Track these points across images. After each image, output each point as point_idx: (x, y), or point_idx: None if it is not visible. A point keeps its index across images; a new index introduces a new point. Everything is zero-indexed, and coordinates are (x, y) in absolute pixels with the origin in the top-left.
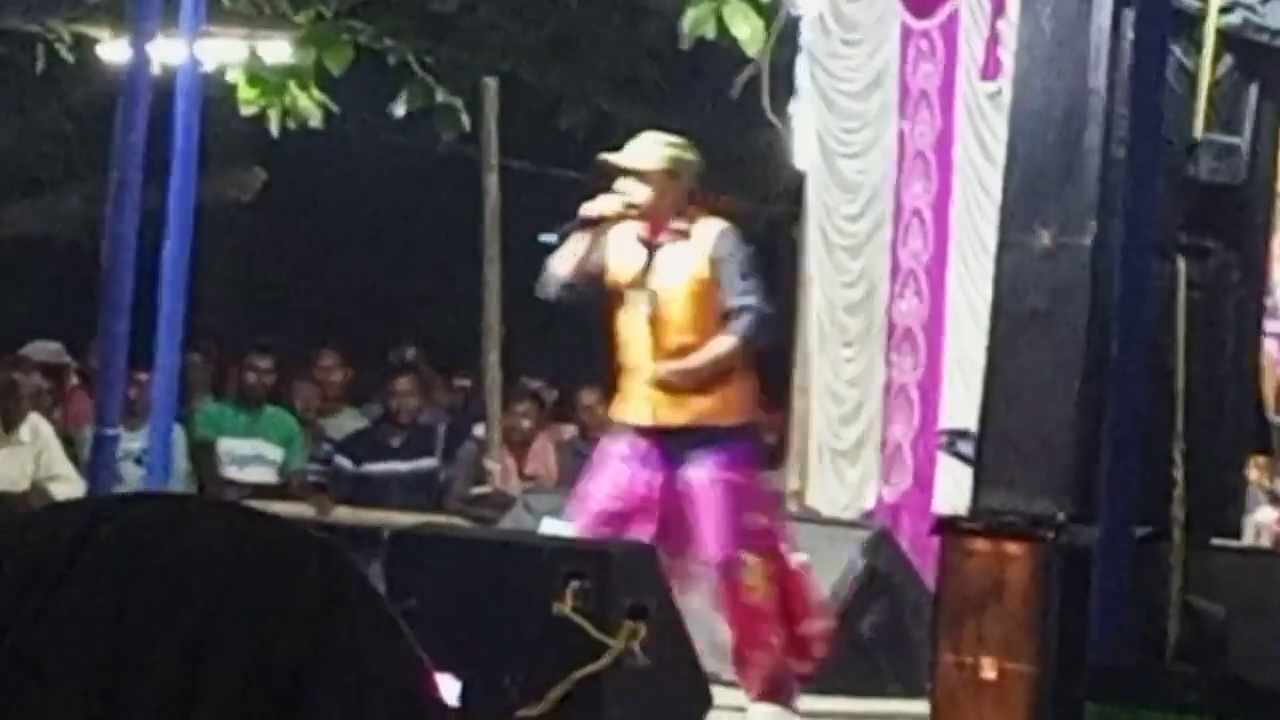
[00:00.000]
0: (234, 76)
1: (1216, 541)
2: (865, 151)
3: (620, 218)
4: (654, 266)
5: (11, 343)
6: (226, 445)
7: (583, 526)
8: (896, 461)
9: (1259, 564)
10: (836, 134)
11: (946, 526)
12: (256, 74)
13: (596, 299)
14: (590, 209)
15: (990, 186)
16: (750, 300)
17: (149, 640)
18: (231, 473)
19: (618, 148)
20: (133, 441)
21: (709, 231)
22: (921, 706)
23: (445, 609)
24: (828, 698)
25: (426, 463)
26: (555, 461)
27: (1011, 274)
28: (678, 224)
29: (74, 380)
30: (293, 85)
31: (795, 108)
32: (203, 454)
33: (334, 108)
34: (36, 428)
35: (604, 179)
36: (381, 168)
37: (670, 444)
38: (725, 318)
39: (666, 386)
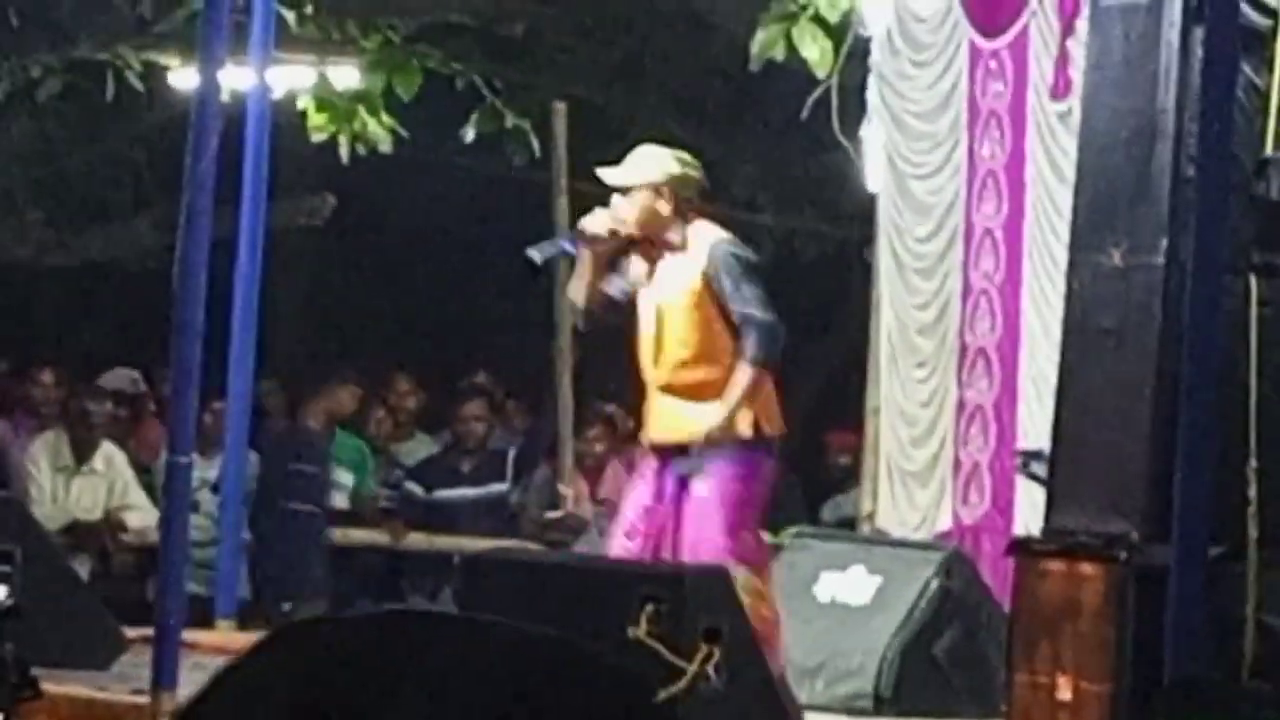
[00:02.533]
0: (303, 103)
1: None
2: (935, 172)
3: (612, 235)
4: (654, 281)
5: (84, 370)
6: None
7: (615, 549)
8: (974, 482)
9: None
10: (906, 155)
11: (1020, 547)
12: (326, 100)
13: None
14: (582, 225)
15: (1062, 206)
16: (750, 311)
17: None
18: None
19: None
20: (208, 469)
21: (702, 243)
22: None
23: None
24: (903, 719)
25: (497, 488)
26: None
27: (1082, 293)
28: (675, 238)
29: (151, 408)
30: (362, 110)
31: (866, 129)
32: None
33: (403, 132)
34: (110, 457)
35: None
36: (452, 192)
37: (677, 458)
38: (729, 326)
39: (670, 401)
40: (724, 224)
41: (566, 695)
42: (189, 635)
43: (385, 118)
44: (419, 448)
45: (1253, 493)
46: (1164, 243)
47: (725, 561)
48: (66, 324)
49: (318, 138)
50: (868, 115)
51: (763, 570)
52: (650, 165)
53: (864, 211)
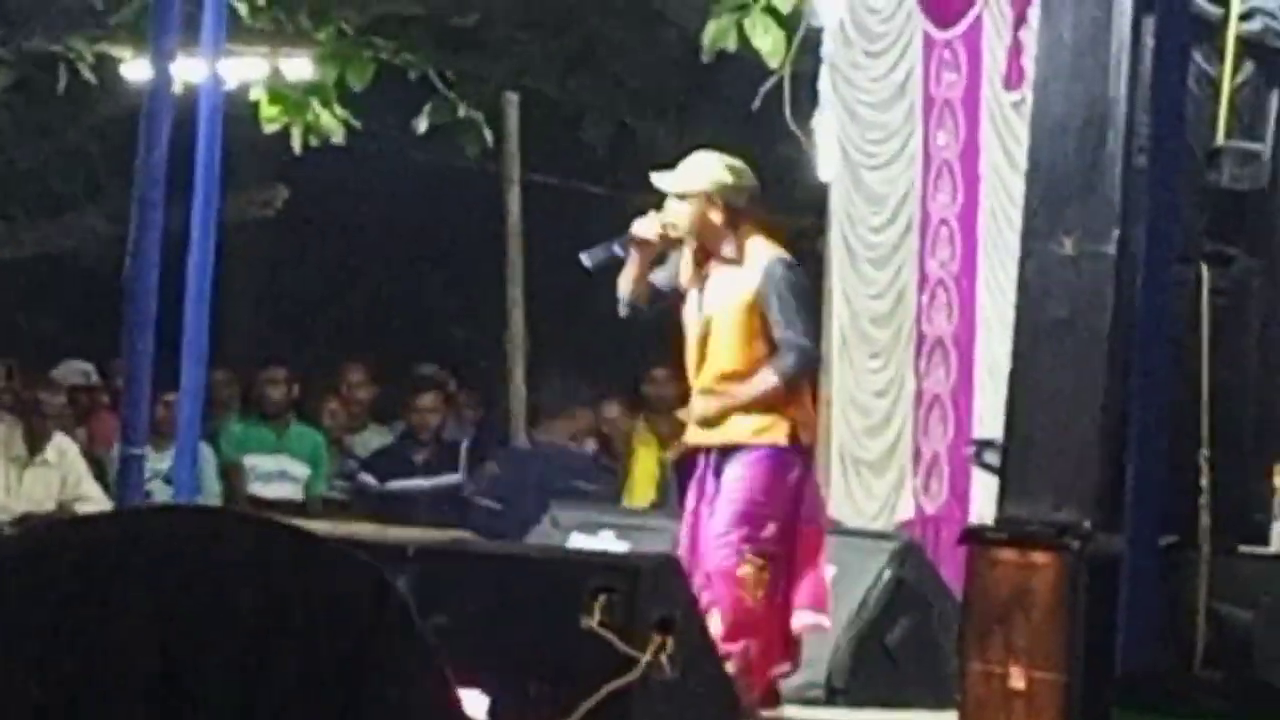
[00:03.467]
0: (256, 94)
1: (1243, 548)
2: (890, 162)
3: (662, 240)
4: (705, 290)
5: (37, 361)
6: (252, 462)
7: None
8: (934, 473)
9: None
10: (860, 145)
11: (972, 536)
12: (279, 91)
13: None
14: (633, 230)
15: (1017, 195)
16: (791, 335)
17: (204, 648)
18: (257, 489)
19: (639, 161)
20: (160, 461)
21: (758, 260)
22: (950, 717)
23: (472, 624)
24: (856, 710)
25: (450, 478)
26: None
27: (1034, 283)
28: (728, 249)
29: (104, 400)
30: (315, 102)
31: (818, 119)
32: (232, 472)
33: (356, 124)
34: (62, 448)
35: (625, 192)
36: (404, 183)
37: (714, 462)
38: (773, 348)
39: (709, 406)
40: (774, 233)
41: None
42: None
43: (338, 109)
44: (372, 438)
45: (1205, 481)
46: (1116, 232)
47: (728, 550)
48: (19, 316)
49: (270, 129)
50: (819, 105)
51: (779, 561)
52: (703, 173)
53: (816, 202)
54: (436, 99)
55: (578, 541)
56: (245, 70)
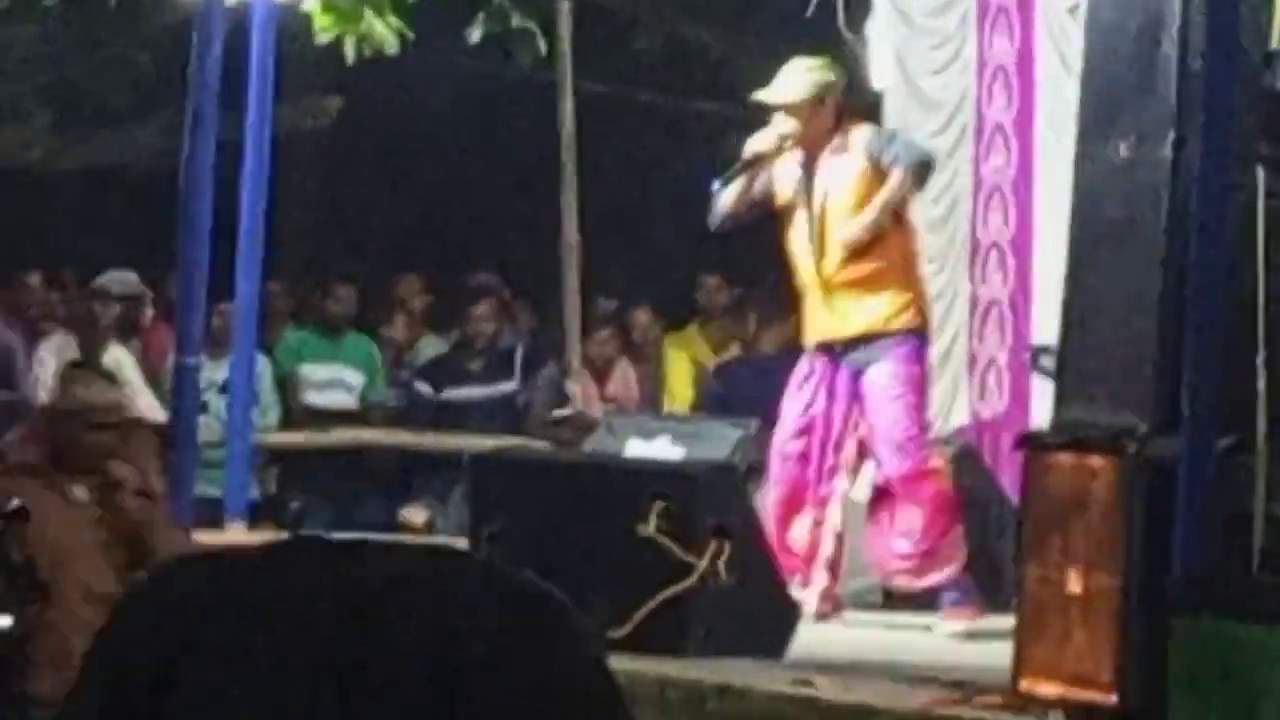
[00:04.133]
0: (309, 4)
1: None
2: (945, 68)
3: (779, 152)
4: (815, 184)
5: (91, 274)
6: (306, 371)
7: (773, 464)
8: (991, 378)
9: None
10: (916, 52)
11: (1029, 441)
12: (331, 1)
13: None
14: (750, 149)
15: (1072, 100)
16: (901, 146)
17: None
18: (312, 398)
19: (692, 69)
20: (216, 371)
21: (860, 138)
22: (1008, 621)
23: (529, 532)
24: (915, 613)
25: (505, 386)
26: (637, 383)
27: (1089, 187)
28: (837, 142)
29: (149, 311)
30: (368, 12)
31: (871, 27)
32: (288, 382)
33: (409, 34)
34: (118, 358)
35: (678, 99)
36: (458, 93)
37: (847, 355)
38: (898, 215)
39: (837, 298)
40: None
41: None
42: (199, 536)
43: (391, 19)
44: (427, 347)
45: (1261, 385)
46: (1171, 135)
47: (914, 446)
48: (74, 229)
49: (323, 39)
50: (872, 12)
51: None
52: (809, 79)
53: (870, 110)
54: (490, 8)
55: (634, 448)
56: None
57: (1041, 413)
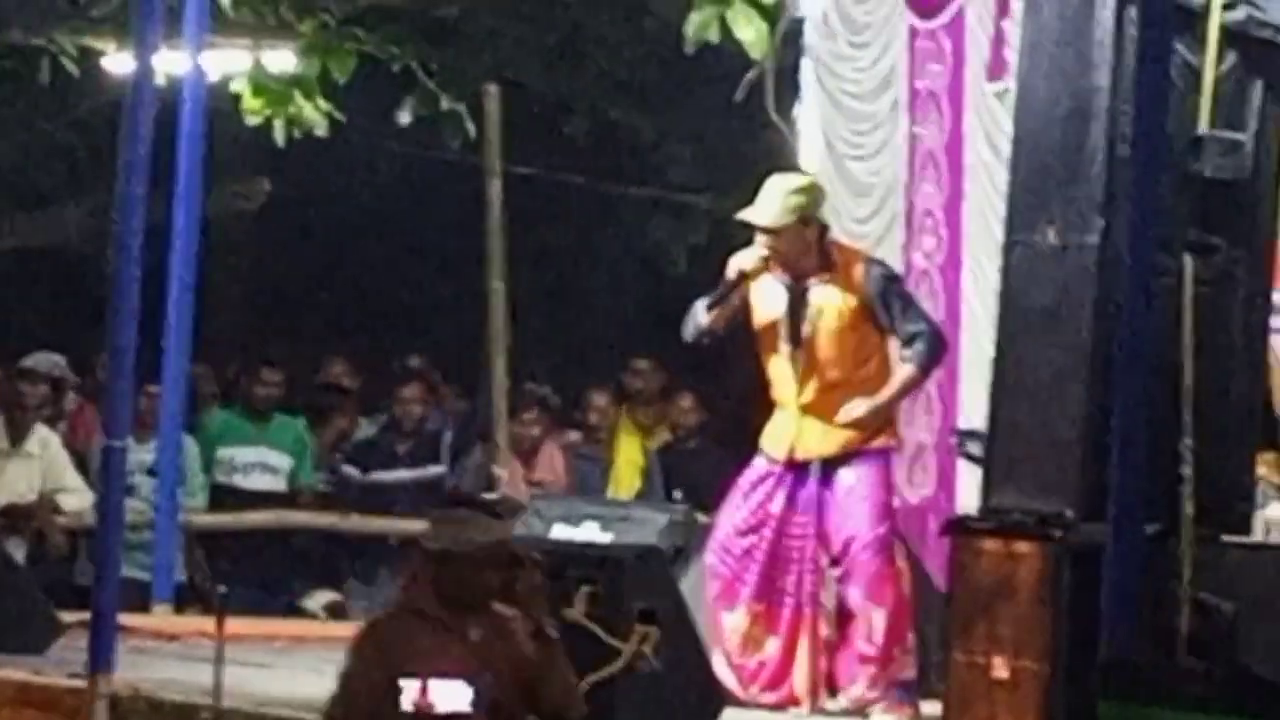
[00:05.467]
0: (239, 86)
1: (1226, 538)
2: (875, 153)
3: (763, 271)
4: (801, 307)
5: (19, 355)
6: (229, 453)
7: (711, 559)
8: (919, 464)
9: (1269, 560)
10: (845, 136)
11: (956, 526)
12: (261, 84)
13: (733, 339)
14: (735, 268)
15: (1001, 186)
16: (920, 327)
17: None
18: (237, 480)
19: (621, 153)
20: (144, 454)
21: (857, 268)
22: (934, 707)
23: None
24: (841, 698)
25: (433, 470)
26: (563, 467)
27: (1018, 272)
28: (823, 263)
29: (72, 394)
30: (297, 94)
31: (800, 111)
32: (212, 465)
33: (339, 116)
34: (45, 440)
35: (607, 183)
36: (387, 176)
37: (812, 467)
38: (882, 348)
39: (815, 420)
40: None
41: None
42: (125, 619)
43: (320, 102)
44: (358, 430)
45: (1188, 471)
46: (1099, 221)
47: (877, 546)
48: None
49: (253, 122)
50: (801, 96)
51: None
52: (793, 202)
53: None
54: (419, 91)
55: (561, 532)
56: (228, 62)
57: (967, 498)
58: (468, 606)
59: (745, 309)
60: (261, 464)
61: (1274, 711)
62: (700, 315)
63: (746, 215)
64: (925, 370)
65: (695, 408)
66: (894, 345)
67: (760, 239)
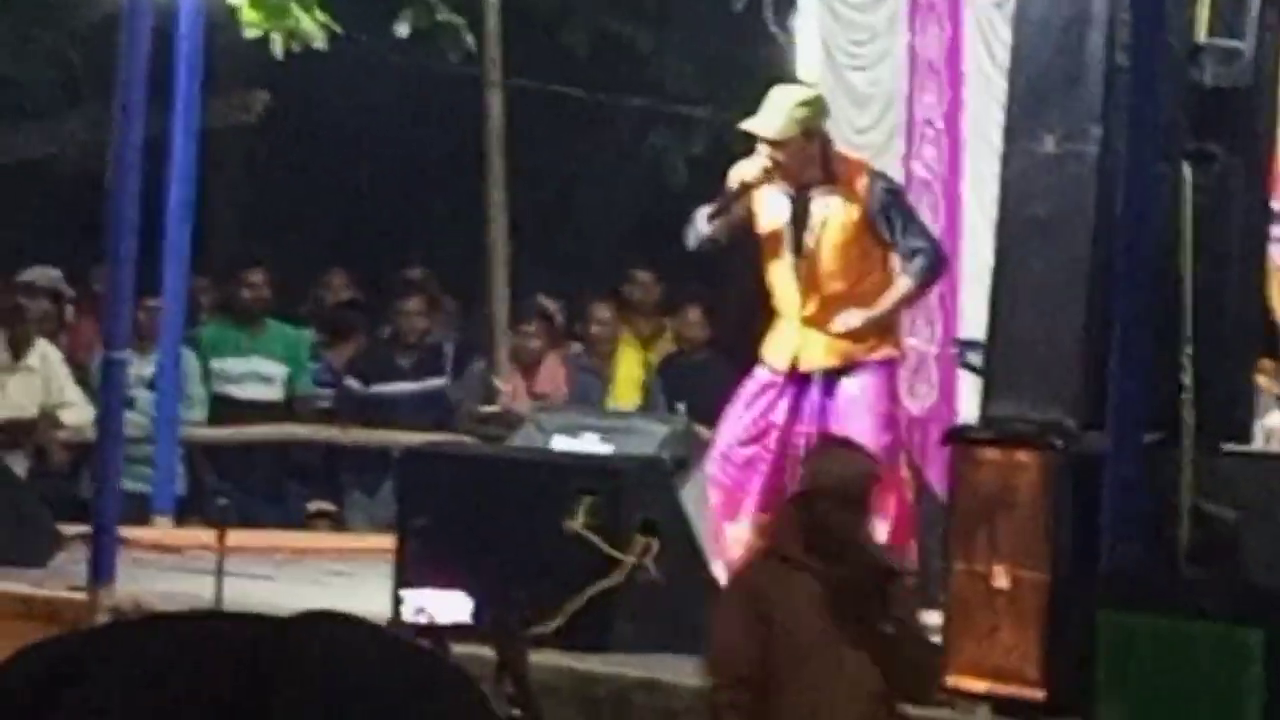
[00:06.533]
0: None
1: (1226, 446)
2: (875, 64)
3: (764, 182)
4: (804, 218)
5: (13, 270)
6: (220, 365)
7: (714, 469)
8: (921, 374)
9: (1269, 468)
10: (845, 46)
11: (956, 437)
12: None
13: (735, 248)
14: (736, 178)
15: (1001, 95)
16: (921, 243)
17: None
18: (230, 390)
19: (620, 65)
20: (144, 367)
21: (860, 181)
22: (935, 617)
23: (457, 527)
24: None
25: (435, 382)
26: (565, 379)
27: (1017, 182)
28: (825, 174)
29: (70, 307)
30: (295, 7)
31: (798, 21)
32: (211, 376)
33: (337, 29)
34: (45, 353)
35: (606, 95)
36: (386, 88)
37: (815, 378)
38: (884, 262)
39: (818, 331)
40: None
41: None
42: (126, 531)
43: (318, 14)
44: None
45: (1188, 380)
46: (1097, 130)
47: (887, 451)
48: None
49: (251, 34)
50: (799, 6)
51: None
52: (798, 115)
53: None
54: (417, 2)
55: (561, 444)
56: None
57: (970, 408)
58: (833, 554)
59: (748, 218)
60: (254, 373)
61: (1274, 619)
62: (701, 224)
63: (750, 125)
64: (922, 286)
65: (702, 320)
66: (895, 259)
67: (762, 149)
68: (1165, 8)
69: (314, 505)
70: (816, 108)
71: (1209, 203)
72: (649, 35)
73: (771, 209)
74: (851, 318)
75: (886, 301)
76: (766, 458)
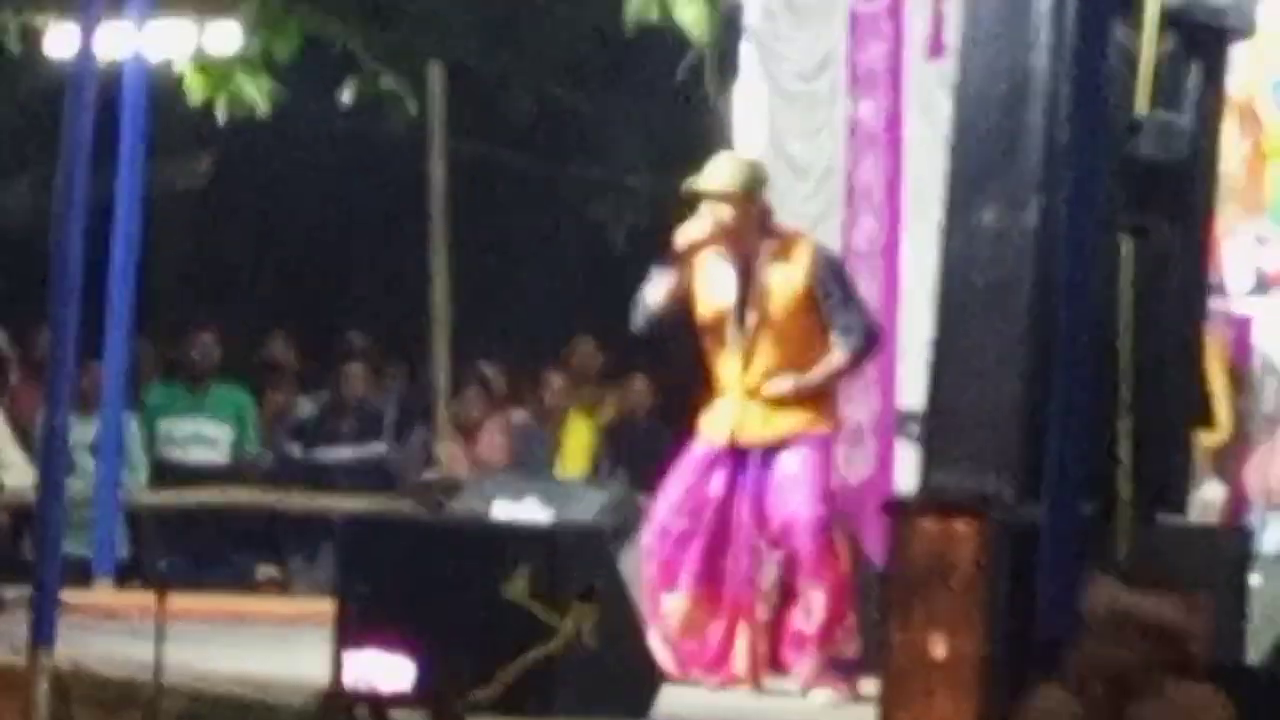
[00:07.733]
0: (182, 67)
1: (1163, 518)
2: (816, 134)
3: (712, 241)
4: (751, 288)
5: None
6: (167, 426)
7: (650, 539)
8: (858, 445)
9: (1205, 540)
10: (785, 116)
11: (894, 506)
12: (203, 63)
13: (680, 326)
14: (683, 240)
15: (940, 166)
16: (856, 320)
17: None
18: (175, 454)
19: (562, 132)
20: (85, 430)
21: (802, 252)
22: (872, 686)
23: (397, 593)
24: (781, 678)
25: (375, 448)
26: (506, 445)
27: (956, 254)
28: (770, 244)
29: (14, 369)
30: (239, 74)
31: (739, 91)
32: (156, 439)
33: (281, 96)
34: None
35: (548, 163)
36: (330, 154)
37: (753, 453)
38: (825, 335)
39: (758, 404)
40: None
41: None
42: (67, 595)
43: (263, 81)
44: (299, 408)
45: (1125, 451)
46: (1037, 203)
47: (818, 527)
48: None
49: (196, 100)
50: (740, 76)
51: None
52: (743, 172)
53: None
54: (361, 70)
55: (501, 510)
56: (171, 37)
57: (907, 478)
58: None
59: (689, 297)
60: (197, 435)
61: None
62: (647, 297)
63: (695, 183)
64: (854, 361)
65: (647, 388)
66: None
67: (708, 210)
68: (1104, 82)
69: (262, 573)
70: (757, 172)
71: (1148, 275)
72: (592, 104)
73: (717, 280)
74: (783, 383)
75: (817, 372)
76: (702, 530)
